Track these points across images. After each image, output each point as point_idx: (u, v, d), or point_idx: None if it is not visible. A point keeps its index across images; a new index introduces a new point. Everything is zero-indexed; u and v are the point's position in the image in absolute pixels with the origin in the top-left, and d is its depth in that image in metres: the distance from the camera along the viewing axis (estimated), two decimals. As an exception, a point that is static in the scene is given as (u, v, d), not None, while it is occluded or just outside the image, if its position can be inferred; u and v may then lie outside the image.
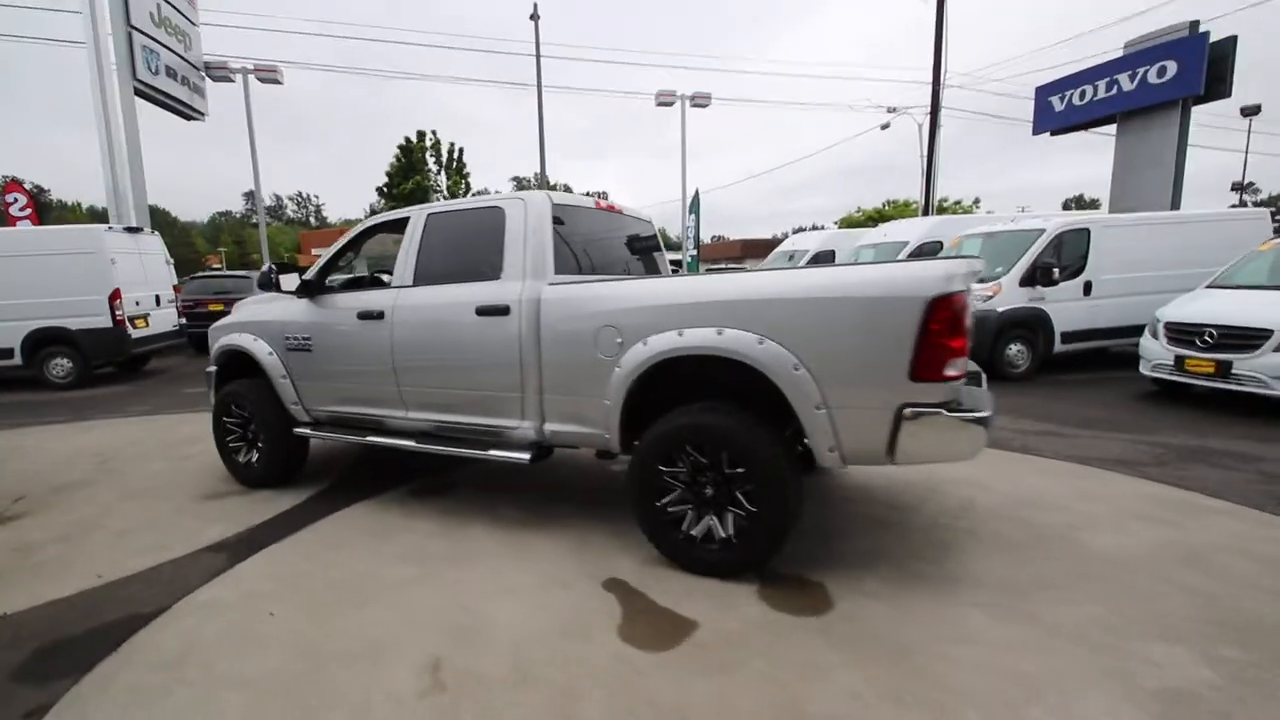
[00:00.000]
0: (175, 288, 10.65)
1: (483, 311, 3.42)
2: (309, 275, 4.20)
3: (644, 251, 4.44)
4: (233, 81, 16.11)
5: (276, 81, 16.65)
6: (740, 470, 2.79)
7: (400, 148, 30.05)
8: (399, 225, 4.06)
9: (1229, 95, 17.52)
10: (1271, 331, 5.63)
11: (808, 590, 2.79)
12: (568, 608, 2.71)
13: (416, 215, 3.89)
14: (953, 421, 2.49)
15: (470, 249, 3.78)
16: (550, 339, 3.24)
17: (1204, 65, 17.15)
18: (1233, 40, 17.12)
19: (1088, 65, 19.86)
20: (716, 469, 2.88)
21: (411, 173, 29.91)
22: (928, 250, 10.09)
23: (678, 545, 2.98)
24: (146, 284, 9.77)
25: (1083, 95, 20.14)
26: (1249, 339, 5.78)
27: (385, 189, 30.17)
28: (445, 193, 30.85)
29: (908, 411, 2.52)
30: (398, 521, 3.79)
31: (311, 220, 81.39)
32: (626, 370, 3.00)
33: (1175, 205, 17.49)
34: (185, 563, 3.31)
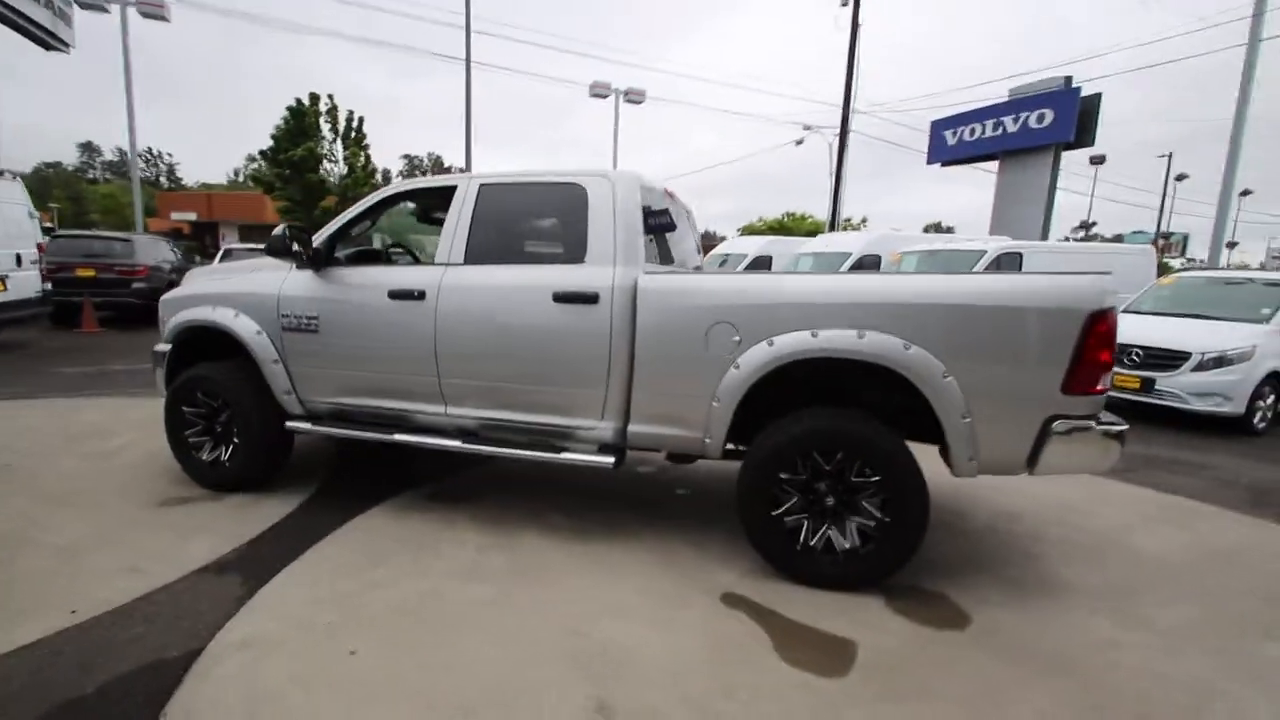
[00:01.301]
0: (40, 246, 8.84)
1: (563, 298, 3.04)
2: (316, 244, 3.55)
3: (663, 234, 4.18)
4: (108, 12, 13.68)
5: (162, 18, 14.36)
6: (874, 478, 2.67)
7: (290, 109, 27.15)
8: (437, 195, 3.54)
9: (1093, 144, 20.16)
10: (1189, 354, 6.42)
11: (933, 601, 2.73)
12: (701, 629, 2.45)
13: (466, 184, 3.40)
14: (1101, 434, 2.52)
15: (541, 228, 3.38)
16: (648, 333, 2.94)
17: (1075, 116, 19.53)
18: (1097, 96, 19.67)
19: (979, 106, 21.97)
20: (839, 477, 2.75)
21: (302, 137, 27.17)
22: (868, 263, 10.63)
23: (795, 557, 2.80)
24: (4, 239, 8.00)
25: (972, 132, 22.24)
26: (1171, 359, 6.56)
27: (270, 153, 27.18)
28: (342, 164, 28.37)
29: (1057, 424, 2.52)
30: (434, 531, 3.30)
31: (163, 181, 71.80)
32: (747, 371, 2.78)
33: (1045, 236, 19.85)
34: (183, 589, 2.66)
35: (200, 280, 4.04)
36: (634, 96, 19.23)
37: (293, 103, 27.09)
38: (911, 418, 2.82)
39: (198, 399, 3.77)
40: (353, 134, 28.53)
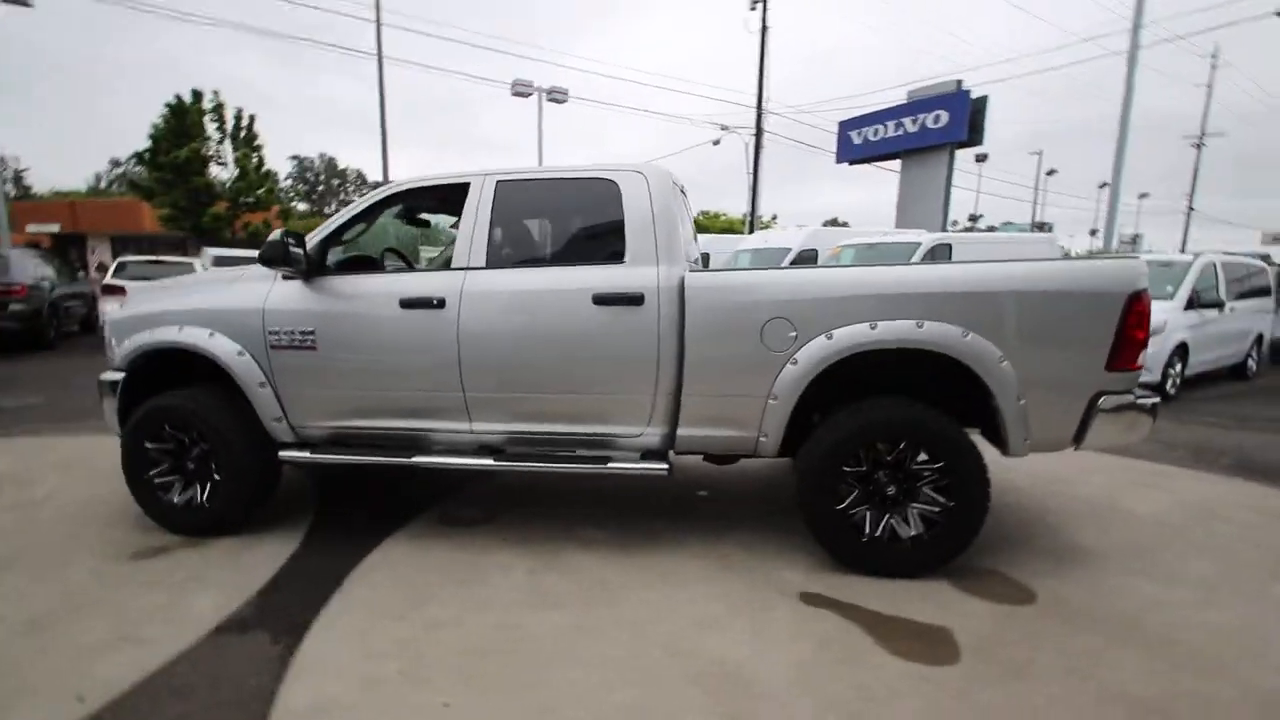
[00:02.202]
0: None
1: (604, 300, 2.89)
2: (307, 250, 3.19)
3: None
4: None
5: (24, 3, 12.57)
6: (936, 464, 2.72)
7: (170, 107, 24.68)
8: (445, 194, 3.28)
9: (982, 142, 21.93)
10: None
11: (991, 579, 2.82)
12: (799, 633, 2.39)
13: (480, 182, 3.16)
14: (1139, 408, 2.69)
15: (568, 227, 3.21)
16: (699, 333, 2.85)
17: (967, 117, 21.14)
18: (985, 99, 21.39)
19: (881, 108, 23.34)
20: (898, 466, 2.78)
21: (184, 138, 24.76)
22: (807, 257, 11.00)
23: (861, 549, 2.81)
24: None
25: (876, 133, 23.59)
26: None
27: (149, 155, 24.60)
28: (232, 166, 26.11)
29: (1103, 400, 2.67)
30: (469, 559, 3.05)
31: (9, 189, 63.16)
32: (805, 366, 2.75)
33: (944, 228, 21.42)
34: (206, 656, 2.30)
35: (154, 297, 3.53)
36: (557, 95, 18.92)
37: (172, 100, 24.67)
38: (957, 404, 2.89)
39: (164, 433, 3.29)
40: (242, 133, 26.33)
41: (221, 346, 3.21)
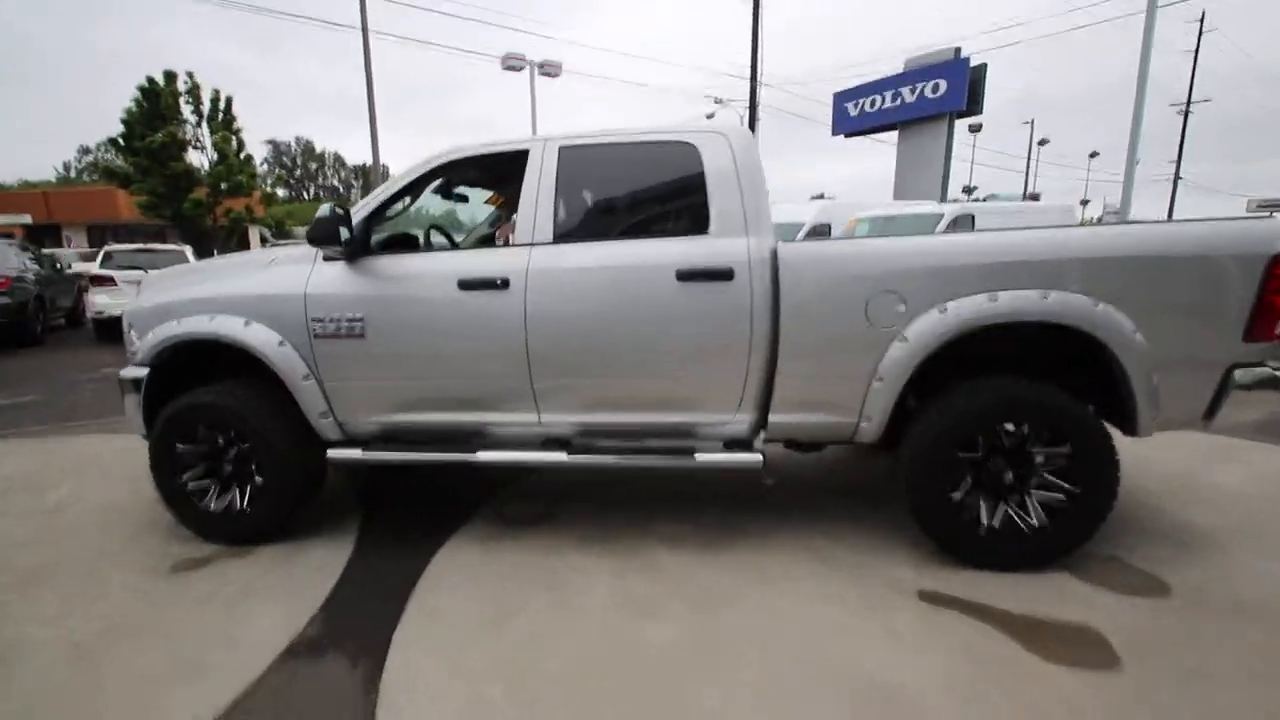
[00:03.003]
0: None
1: (689, 276, 2.62)
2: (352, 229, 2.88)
3: None
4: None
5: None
6: (1062, 448, 2.50)
7: (142, 90, 23.73)
8: (501, 162, 2.97)
9: (981, 112, 21.65)
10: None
11: (1115, 568, 2.63)
12: (933, 638, 2.18)
13: (540, 148, 2.86)
14: (1275, 380, 2.48)
15: (643, 196, 2.92)
16: (795, 309, 2.60)
17: (965, 85, 20.82)
18: (984, 66, 21.06)
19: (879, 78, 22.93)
20: (1019, 450, 2.56)
21: (159, 121, 23.84)
22: (820, 231, 10.74)
23: (977, 541, 2.60)
24: None
25: (873, 103, 23.21)
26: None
27: (123, 141, 23.69)
28: (211, 150, 25.22)
29: (1239, 373, 2.46)
30: (543, 561, 2.81)
31: (-26, 179, 60.95)
32: (918, 343, 2.51)
33: (943, 199, 21.20)
34: (284, 683, 2.05)
35: (178, 284, 3.20)
36: (550, 69, 18.32)
37: (144, 83, 23.69)
38: (1069, 380, 2.68)
39: (198, 433, 3.00)
40: (220, 116, 25.41)
41: (259, 337, 2.91)
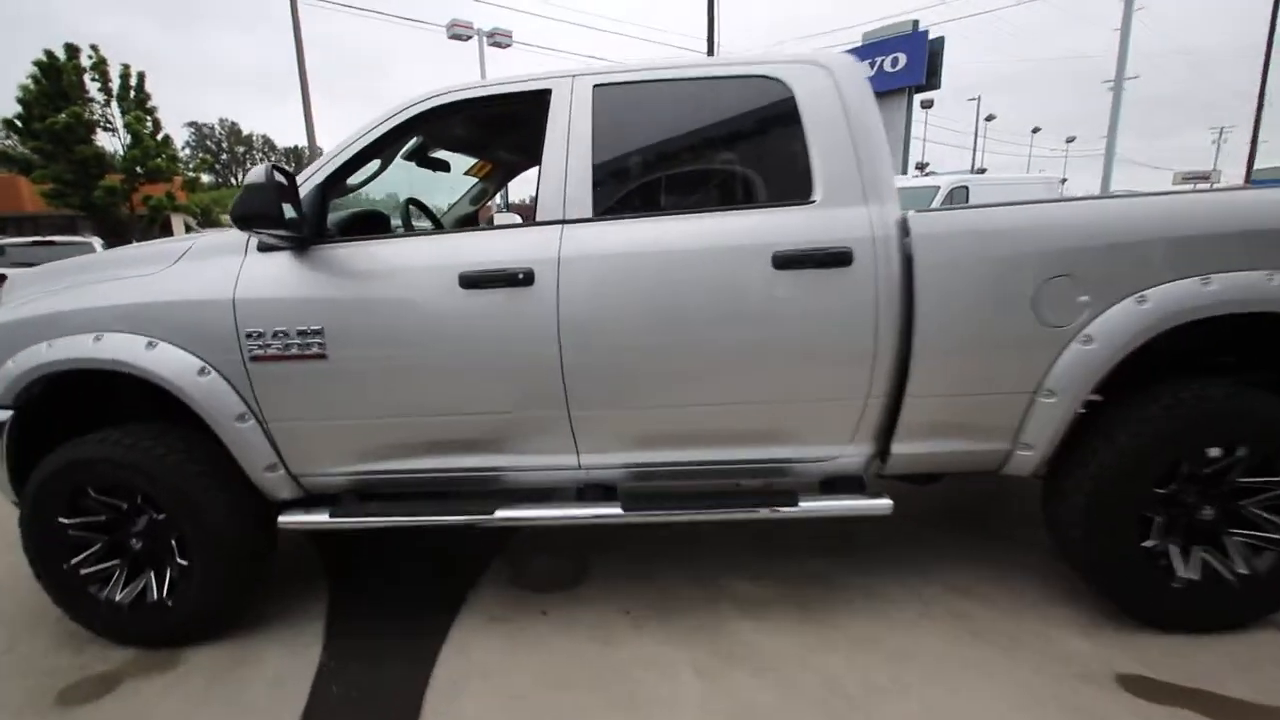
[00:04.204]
0: None
1: (790, 261, 1.89)
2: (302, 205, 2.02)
3: None
4: None
5: None
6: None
7: (40, 66, 21.26)
8: (506, 109, 2.17)
9: (940, 86, 21.44)
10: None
11: (1334, 622, 2.06)
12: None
13: (568, 88, 2.06)
14: None
15: (718, 152, 2.16)
16: (935, 302, 1.90)
17: (925, 59, 20.55)
18: (941, 40, 20.82)
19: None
20: (1220, 479, 1.95)
21: (61, 100, 21.42)
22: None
23: (1173, 598, 1.98)
24: None
25: (834, 76, 22.76)
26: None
27: (20, 122, 21.23)
28: (123, 131, 22.91)
29: None
30: (598, 651, 2.07)
31: None
32: (1108, 345, 1.85)
33: (904, 173, 21.03)
34: None
35: (48, 288, 2.27)
36: (500, 38, 17.05)
37: (42, 57, 21.21)
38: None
39: (89, 501, 2.12)
40: (131, 94, 23.05)
41: (169, 363, 2.03)
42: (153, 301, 2.07)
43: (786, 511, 2.01)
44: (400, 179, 2.88)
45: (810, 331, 1.92)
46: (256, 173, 1.77)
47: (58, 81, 21.38)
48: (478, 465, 2.15)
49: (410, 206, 2.69)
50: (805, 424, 2.03)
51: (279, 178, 1.83)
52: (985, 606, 2.21)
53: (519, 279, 1.94)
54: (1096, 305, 1.86)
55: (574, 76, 2.07)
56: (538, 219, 2.02)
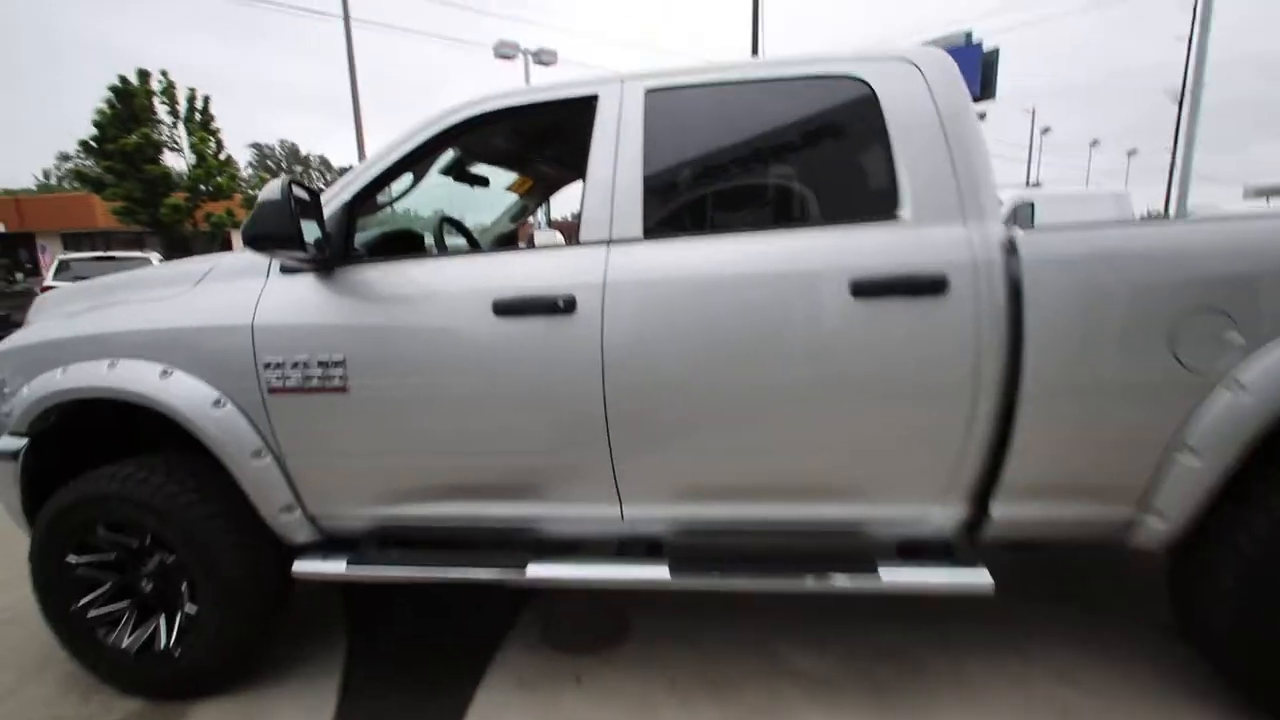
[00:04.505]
0: None
1: (873, 288, 1.62)
2: (325, 224, 1.85)
3: None
4: None
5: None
6: None
7: (114, 91, 22.52)
8: (548, 118, 1.98)
9: (995, 97, 20.73)
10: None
11: None
12: None
13: (617, 93, 1.85)
14: None
15: (787, 162, 1.92)
16: (1049, 339, 1.60)
17: (979, 72, 19.90)
18: (996, 51, 20.14)
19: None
20: None
21: (133, 123, 22.62)
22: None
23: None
24: None
25: (883, 90, 22.30)
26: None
27: (95, 144, 22.47)
28: (188, 151, 24.06)
29: None
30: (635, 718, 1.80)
31: (-51, 189, 59.21)
32: (1265, 395, 1.51)
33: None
34: None
35: (68, 312, 2.17)
36: (545, 58, 17.22)
37: (115, 82, 22.48)
38: None
39: (98, 539, 1.98)
40: (197, 116, 24.24)
41: (184, 393, 1.87)
42: (169, 327, 1.93)
43: (865, 583, 1.71)
44: (440, 195, 2.72)
45: (894, 370, 1.64)
46: (271, 188, 1.60)
47: (130, 105, 22.60)
48: (509, 514, 1.93)
49: (445, 225, 2.51)
50: (886, 479, 1.74)
51: (299, 193, 1.65)
52: (1089, 696, 1.86)
53: (559, 306, 1.72)
54: (1252, 345, 1.53)
55: (623, 80, 1.85)
56: (580, 238, 1.80)
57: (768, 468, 1.77)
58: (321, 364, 1.83)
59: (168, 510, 1.90)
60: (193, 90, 24.05)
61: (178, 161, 24.01)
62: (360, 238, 2.08)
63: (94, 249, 18.91)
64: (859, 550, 1.81)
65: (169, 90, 23.55)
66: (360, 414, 1.85)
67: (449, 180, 2.67)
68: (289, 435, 1.89)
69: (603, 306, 1.72)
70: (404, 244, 2.30)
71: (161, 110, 23.53)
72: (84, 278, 8.53)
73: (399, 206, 2.36)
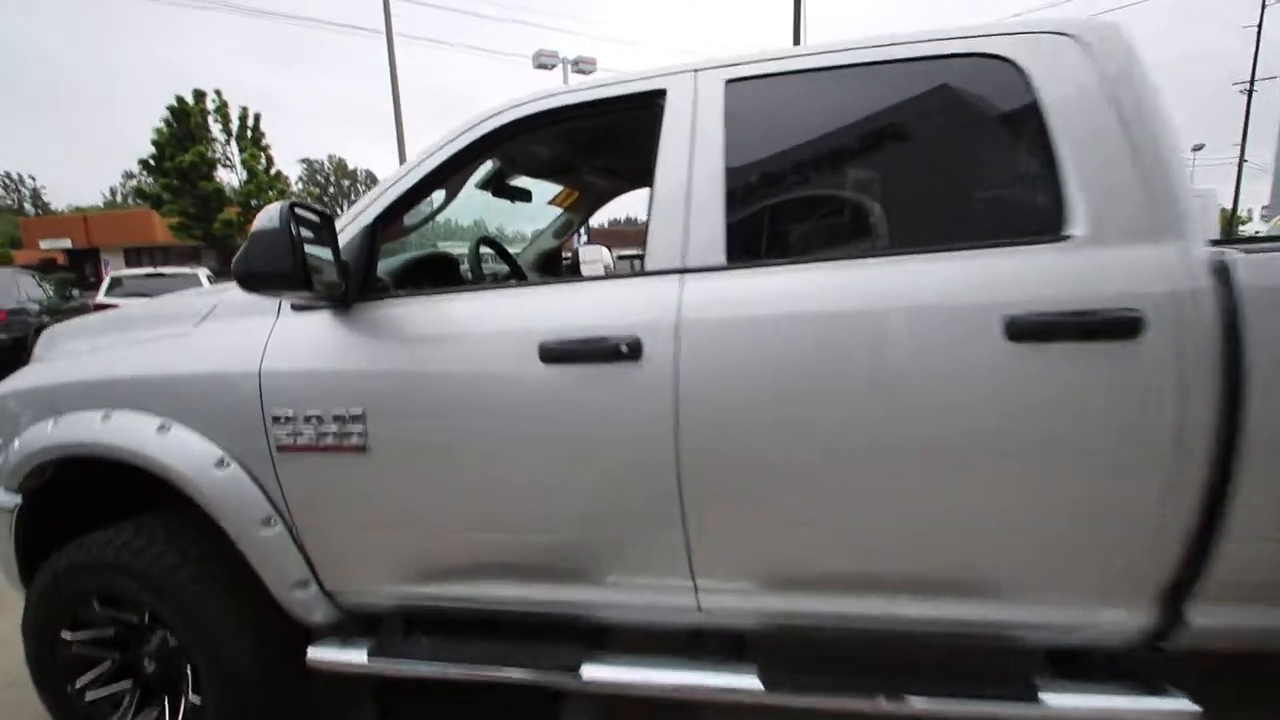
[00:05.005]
0: None
1: (1031, 330, 1.22)
2: (340, 253, 1.55)
3: None
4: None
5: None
6: None
7: (171, 110, 23.43)
8: (612, 119, 1.63)
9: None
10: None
11: None
12: None
13: (689, 86, 1.50)
14: None
15: (911, 164, 1.54)
16: (1278, 389, 1.18)
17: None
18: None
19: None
20: None
21: (189, 141, 23.48)
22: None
23: None
24: None
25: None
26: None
27: (154, 162, 23.38)
28: (240, 168, 24.87)
29: None
30: None
31: (27, 207, 63.21)
32: None
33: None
34: None
35: (71, 350, 1.94)
36: (584, 66, 17.07)
37: (173, 102, 23.39)
38: None
39: (94, 613, 1.73)
40: (248, 133, 25.06)
41: (183, 452, 1.60)
42: (167, 373, 1.66)
43: (1018, 711, 1.31)
44: (475, 205, 2.43)
45: (1064, 432, 1.24)
46: (269, 215, 1.31)
47: (186, 124, 23.46)
48: (558, 599, 1.59)
49: (482, 248, 2.21)
50: (1045, 570, 1.34)
51: (306, 216, 1.36)
52: None
53: (620, 352, 1.38)
54: None
55: (697, 70, 1.51)
56: (647, 266, 1.46)
57: (888, 553, 1.39)
58: (337, 419, 1.53)
59: (166, 585, 1.63)
60: (244, 109, 24.85)
61: (231, 177, 24.86)
62: (384, 265, 1.79)
63: (152, 264, 19.64)
64: (999, 659, 1.41)
65: (222, 109, 24.39)
66: (382, 478, 1.55)
67: (487, 193, 2.37)
68: (301, 501, 1.60)
69: (676, 352, 1.37)
70: (435, 271, 2.00)
71: (215, 128, 24.38)
72: (141, 294, 8.67)
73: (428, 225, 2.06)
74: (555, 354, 1.42)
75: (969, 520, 1.33)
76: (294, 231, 1.30)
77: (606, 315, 1.43)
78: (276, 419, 1.57)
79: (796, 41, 21.96)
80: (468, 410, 1.48)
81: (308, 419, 1.55)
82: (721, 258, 1.40)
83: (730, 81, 1.48)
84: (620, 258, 14.09)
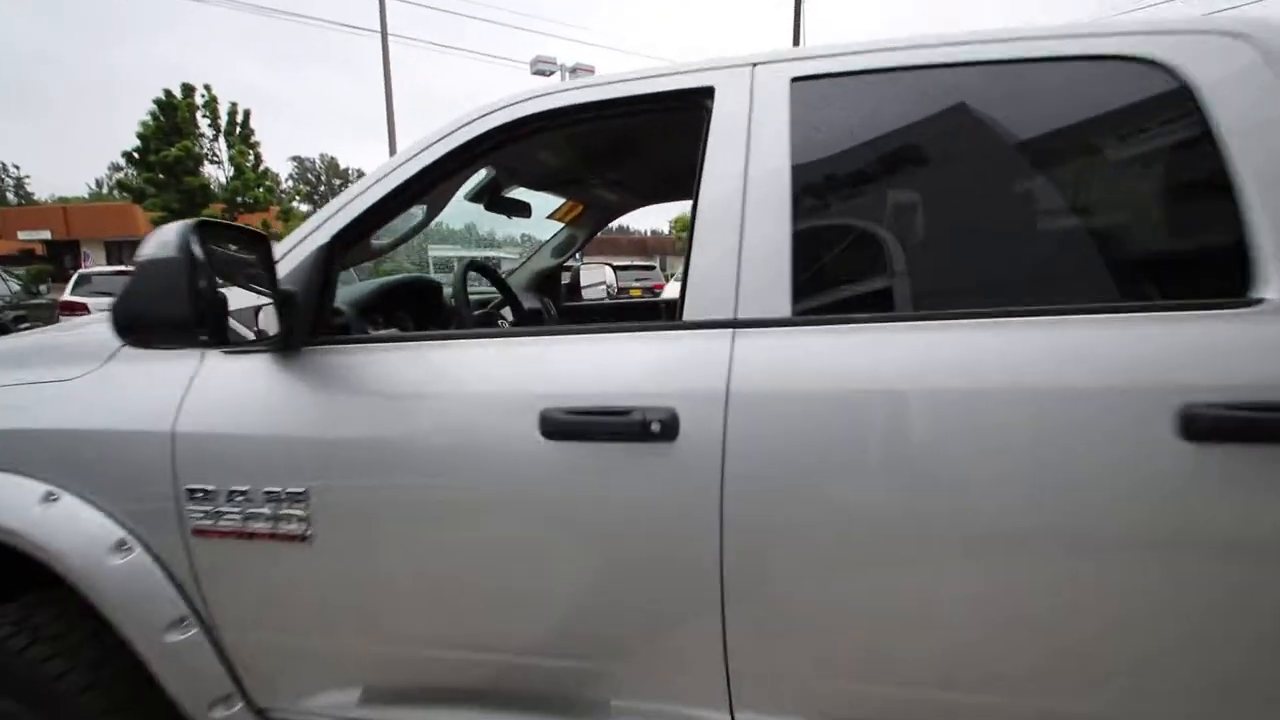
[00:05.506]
0: None
1: (1215, 428, 0.89)
2: (281, 278, 1.20)
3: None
4: None
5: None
6: None
7: (158, 104, 22.94)
8: (637, 112, 1.29)
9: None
10: None
11: None
12: None
13: (745, 82, 1.17)
14: None
15: (1027, 198, 1.21)
16: None
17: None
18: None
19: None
20: None
21: (175, 135, 22.97)
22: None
23: None
24: None
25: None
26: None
27: (137, 155, 22.83)
28: (227, 164, 24.40)
29: None
30: None
31: (10, 197, 61.79)
32: None
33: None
34: None
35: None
36: (582, 73, 16.86)
37: (161, 96, 22.91)
38: None
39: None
40: (237, 129, 24.61)
41: (71, 530, 1.23)
42: (59, 427, 1.29)
43: None
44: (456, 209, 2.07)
45: (1252, 548, 0.92)
46: (159, 240, 0.95)
47: (173, 118, 22.96)
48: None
49: (471, 276, 1.84)
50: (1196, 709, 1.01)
51: (227, 237, 1.01)
52: None
53: (650, 430, 1.03)
54: None
55: (754, 65, 1.17)
56: (685, 315, 1.12)
57: (991, 686, 1.05)
58: (270, 497, 1.17)
59: (47, 699, 1.26)
60: (234, 105, 24.41)
61: (218, 174, 24.36)
62: (345, 293, 1.43)
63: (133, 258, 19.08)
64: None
65: (211, 104, 23.93)
66: (328, 576, 1.19)
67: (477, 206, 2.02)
68: (224, 599, 1.24)
69: (725, 430, 1.03)
70: (410, 301, 1.64)
71: (203, 124, 23.89)
72: (108, 292, 8.20)
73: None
74: (561, 428, 1.07)
75: (1107, 648, 1.00)
76: (193, 260, 0.94)
77: (631, 379, 1.08)
78: (193, 493, 1.20)
79: (796, 26, 21.92)
80: (442, 495, 1.13)
81: (231, 496, 1.19)
82: (786, 308, 1.06)
83: (797, 79, 1.14)
84: (618, 268, 13.76)
